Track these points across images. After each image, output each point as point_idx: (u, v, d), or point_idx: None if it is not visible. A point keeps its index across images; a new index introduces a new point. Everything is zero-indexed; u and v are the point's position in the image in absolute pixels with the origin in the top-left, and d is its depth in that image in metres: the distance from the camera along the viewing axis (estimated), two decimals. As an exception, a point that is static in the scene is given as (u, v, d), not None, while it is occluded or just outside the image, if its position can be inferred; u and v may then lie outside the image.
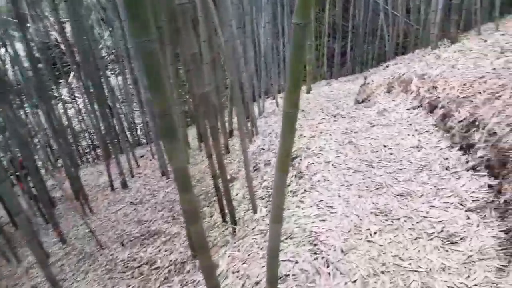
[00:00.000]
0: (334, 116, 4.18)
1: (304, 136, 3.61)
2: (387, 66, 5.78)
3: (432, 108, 3.56)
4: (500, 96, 2.86)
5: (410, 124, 3.56)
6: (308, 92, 6.54)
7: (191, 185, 1.51)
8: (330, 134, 3.56)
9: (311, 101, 6.13)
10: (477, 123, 2.80)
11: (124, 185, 5.71)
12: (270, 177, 3.30)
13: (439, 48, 4.67)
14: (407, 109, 3.92)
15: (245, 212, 2.93)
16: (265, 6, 6.44)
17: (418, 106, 3.82)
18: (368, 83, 5.25)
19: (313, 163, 3.02)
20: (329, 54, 9.15)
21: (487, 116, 2.75)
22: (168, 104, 1.33)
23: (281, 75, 8.92)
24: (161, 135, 1.44)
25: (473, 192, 2.33)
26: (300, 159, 3.18)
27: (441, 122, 3.30)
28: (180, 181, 1.48)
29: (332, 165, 2.94)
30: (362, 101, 5.06)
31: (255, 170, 3.62)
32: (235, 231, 2.70)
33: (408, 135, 3.37)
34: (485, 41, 3.96)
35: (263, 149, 4.09)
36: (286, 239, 2.15)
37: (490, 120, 2.67)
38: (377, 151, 3.18)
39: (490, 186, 2.30)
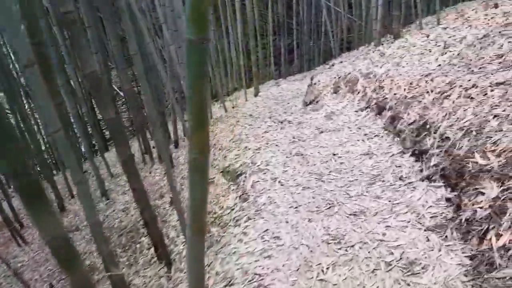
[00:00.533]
0: (281, 123, 3.88)
1: (249, 149, 3.27)
2: (332, 65, 5.56)
3: (380, 110, 3.34)
4: (448, 96, 2.65)
5: (359, 128, 3.32)
6: (256, 95, 6.21)
7: (78, 258, 1.11)
8: (277, 145, 3.24)
9: (259, 104, 5.81)
10: (428, 126, 2.57)
11: (62, 208, 5.15)
12: (215, 198, 2.93)
13: (382, 44, 4.48)
14: (355, 111, 3.69)
15: (184, 245, 2.55)
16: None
17: (366, 108, 3.59)
18: (315, 84, 5.00)
19: (258, 181, 2.69)
20: (276, 53, 8.89)
21: (437, 118, 2.54)
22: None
23: (229, 77, 8.56)
24: (22, 198, 1.03)
25: (430, 206, 2.09)
26: (245, 177, 2.83)
27: (391, 125, 3.07)
28: (60, 255, 1.07)
29: (279, 182, 2.62)
30: (310, 103, 4.80)
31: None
32: (170, 271, 2.32)
33: (358, 140, 3.12)
34: (428, 36, 3.80)
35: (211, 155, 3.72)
36: (225, 287, 1.80)
37: (441, 123, 2.45)
38: (327, 161, 2.90)
39: (448, 199, 2.06)
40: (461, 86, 2.64)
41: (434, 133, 2.46)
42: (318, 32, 8.21)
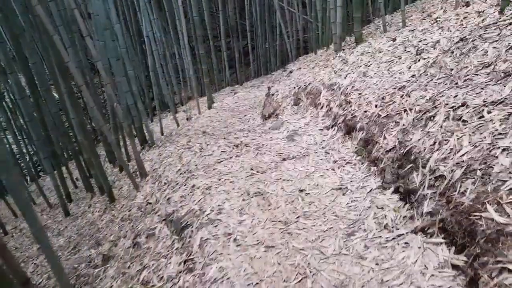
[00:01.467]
0: (237, 147, 3.25)
1: (198, 188, 2.62)
2: (290, 72, 4.99)
3: (349, 129, 2.79)
4: (432, 116, 2.13)
5: (327, 153, 2.75)
6: (210, 107, 5.55)
7: None
8: (231, 181, 2.61)
9: (214, 117, 5.16)
10: (412, 157, 2.04)
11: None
12: (154, 259, 2.26)
13: (343, 50, 3.95)
14: (320, 130, 3.13)
15: None
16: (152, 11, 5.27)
17: (332, 126, 3.03)
18: (272, 95, 4.41)
19: (208, 239, 2.05)
20: (231, 56, 8.24)
21: (423, 147, 2.00)
22: None
23: (182, 84, 7.83)
24: None
25: (432, 276, 1.54)
26: (192, 231, 2.19)
27: (363, 150, 2.53)
28: None
29: (235, 240, 2.00)
30: (269, 116, 4.21)
31: (134, 245, 2.56)
32: None
33: (327, 169, 2.55)
34: (394, 39, 3.30)
35: (150, 202, 3.04)
36: None
37: (431, 154, 1.92)
38: (293, 201, 2.31)
39: (455, 267, 1.53)
40: (446, 104, 2.13)
41: (423, 167, 1.92)
42: (273, 33, 7.64)
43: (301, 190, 2.39)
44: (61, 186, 4.73)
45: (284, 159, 2.81)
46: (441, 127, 2.02)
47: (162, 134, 5.51)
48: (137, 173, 3.87)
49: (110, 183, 4.71)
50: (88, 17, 4.69)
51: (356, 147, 2.62)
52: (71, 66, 3.00)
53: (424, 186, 1.86)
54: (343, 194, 2.27)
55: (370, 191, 2.21)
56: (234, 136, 3.64)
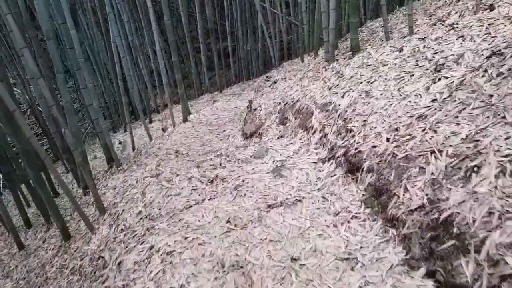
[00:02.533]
0: (211, 182, 2.55)
1: (158, 251, 1.92)
2: (274, 82, 4.30)
3: (352, 168, 2.13)
4: (477, 167, 1.48)
5: (325, 199, 2.09)
6: (185, 120, 4.82)
7: None
8: (201, 242, 1.91)
9: (189, 134, 4.43)
10: (454, 230, 1.39)
11: None
12: None
13: (337, 60, 3.28)
14: (313, 163, 2.45)
15: None
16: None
17: (329, 159, 2.37)
18: (255, 110, 3.73)
19: None
20: (211, 59, 7.49)
21: (471, 216, 1.36)
22: None
23: (158, 90, 7.03)
24: None
25: None
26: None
27: (375, 201, 1.87)
28: None
29: None
30: (251, 135, 3.52)
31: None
32: None
33: (327, 225, 1.88)
34: (401, 50, 2.65)
35: (102, 257, 2.32)
36: None
37: (487, 232, 1.27)
38: (283, 278, 1.64)
39: None
40: (497, 151, 1.48)
41: (476, 252, 1.27)
42: (255, 35, 6.94)
43: (294, 259, 1.72)
44: (19, 211, 3.97)
45: (270, 206, 2.13)
46: (495, 187, 1.37)
47: (134, 149, 4.76)
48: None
49: (67, 214, 3.95)
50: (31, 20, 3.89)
51: (363, 195, 1.96)
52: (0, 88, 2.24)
53: (482, 284, 1.21)
54: (352, 269, 1.61)
55: (391, 268, 1.56)
56: (210, 164, 2.94)
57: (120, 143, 5.72)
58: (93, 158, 5.53)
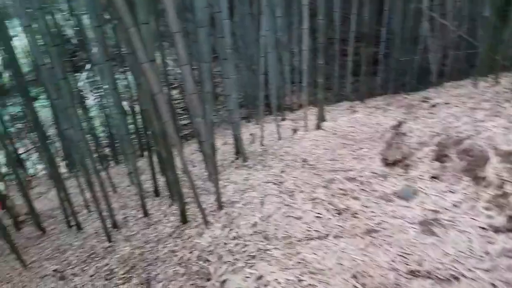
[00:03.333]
0: (339, 214, 2.17)
1: (265, 287, 1.64)
2: (433, 106, 3.62)
3: (548, 256, 1.50)
4: None
5: (496, 288, 1.51)
6: (319, 127, 4.49)
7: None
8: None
9: (320, 143, 4.09)
10: None
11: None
12: None
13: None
14: (482, 228, 1.86)
15: None
16: None
17: (508, 230, 1.75)
18: (404, 134, 3.17)
19: None
20: (358, 63, 6.96)
21: None
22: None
23: (299, 89, 6.84)
24: None
25: None
26: None
27: None
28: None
29: None
30: (394, 163, 3.00)
31: None
32: None
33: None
34: None
35: (209, 260, 2.18)
36: None
37: None
38: None
39: None
40: None
41: None
42: (415, 45, 6.15)
43: None
44: (152, 178, 4.19)
45: (412, 272, 1.65)
46: None
47: (262, 144, 4.64)
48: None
49: (189, 196, 4.02)
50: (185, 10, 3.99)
51: None
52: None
53: None
54: None
55: None
56: (339, 187, 2.56)
57: (250, 134, 5.71)
58: (223, 144, 5.64)
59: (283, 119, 6.02)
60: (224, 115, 6.92)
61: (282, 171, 3.35)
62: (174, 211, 3.73)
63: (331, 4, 6.39)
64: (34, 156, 5.88)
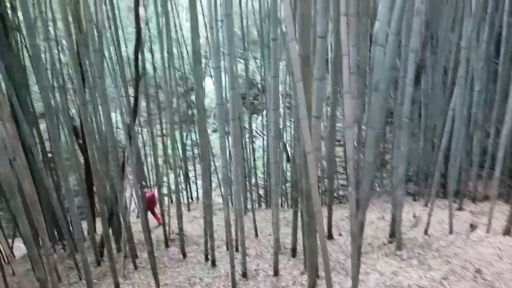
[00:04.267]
0: None
1: None
2: None
3: None
4: None
5: None
6: (507, 233, 3.49)
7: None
8: None
9: (504, 255, 3.15)
10: None
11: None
12: None
13: None
14: None
15: None
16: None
17: None
18: None
19: None
20: None
21: None
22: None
23: (486, 174, 5.67)
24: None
25: None
26: None
27: None
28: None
29: None
30: None
31: None
32: None
33: None
34: None
35: None
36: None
37: None
38: None
39: None
40: None
41: None
42: None
43: None
44: (291, 236, 4.00)
45: None
46: None
47: (426, 232, 3.89)
48: None
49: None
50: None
51: None
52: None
53: None
54: None
55: None
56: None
57: (414, 216, 4.94)
58: (378, 219, 5.04)
59: (460, 209, 5.00)
60: (387, 187, 6.27)
61: (444, 278, 2.67)
62: (304, 282, 3.39)
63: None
64: (200, 181, 6.47)
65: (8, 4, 3.44)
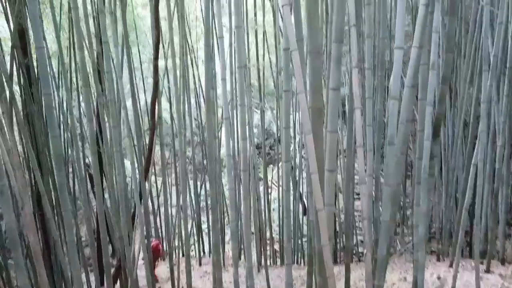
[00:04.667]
0: None
1: None
2: None
3: None
4: None
5: None
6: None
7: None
8: None
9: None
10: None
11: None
12: None
13: None
14: None
15: None
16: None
17: None
18: None
19: None
20: None
21: None
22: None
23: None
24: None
25: None
26: None
27: None
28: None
29: None
30: None
31: None
32: None
33: None
34: None
35: None
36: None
37: None
38: None
39: None
40: None
41: None
42: None
43: None
44: None
45: None
46: None
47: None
48: None
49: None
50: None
51: None
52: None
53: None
54: None
55: None
56: None
57: (438, 278, 4.59)
58: (399, 280, 4.71)
59: (488, 271, 4.63)
60: (409, 244, 5.93)
61: None
62: None
63: None
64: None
65: (35, 56, 3.61)
